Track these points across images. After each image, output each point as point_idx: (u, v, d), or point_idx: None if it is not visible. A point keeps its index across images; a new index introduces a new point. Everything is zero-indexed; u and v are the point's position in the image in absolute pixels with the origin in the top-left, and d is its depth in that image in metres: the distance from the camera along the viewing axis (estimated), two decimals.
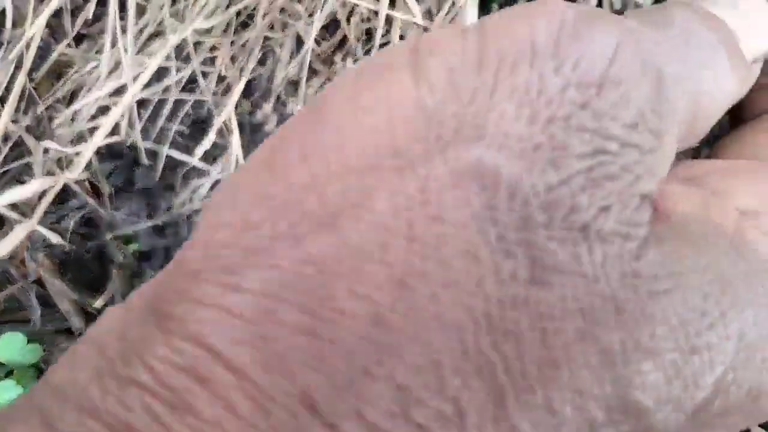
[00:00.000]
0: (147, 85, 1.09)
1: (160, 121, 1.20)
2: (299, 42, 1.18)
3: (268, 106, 1.23)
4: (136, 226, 1.18)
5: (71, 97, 1.10)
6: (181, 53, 1.06)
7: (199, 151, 1.12)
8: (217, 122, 1.10)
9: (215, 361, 0.25)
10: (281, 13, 1.04)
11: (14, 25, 0.96)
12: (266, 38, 1.08)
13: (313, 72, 1.22)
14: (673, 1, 0.40)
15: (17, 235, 1.06)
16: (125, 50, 1.00)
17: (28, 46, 0.94)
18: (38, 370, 1.08)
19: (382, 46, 1.13)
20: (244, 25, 1.10)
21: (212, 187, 1.21)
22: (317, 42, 1.17)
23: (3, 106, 0.97)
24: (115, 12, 0.94)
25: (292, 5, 1.05)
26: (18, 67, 0.96)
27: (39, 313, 1.13)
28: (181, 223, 1.23)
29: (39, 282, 1.14)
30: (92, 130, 1.08)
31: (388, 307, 0.25)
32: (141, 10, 1.00)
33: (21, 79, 0.95)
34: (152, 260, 1.23)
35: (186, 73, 1.03)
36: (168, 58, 1.02)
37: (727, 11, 0.38)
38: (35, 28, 0.91)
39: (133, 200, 1.20)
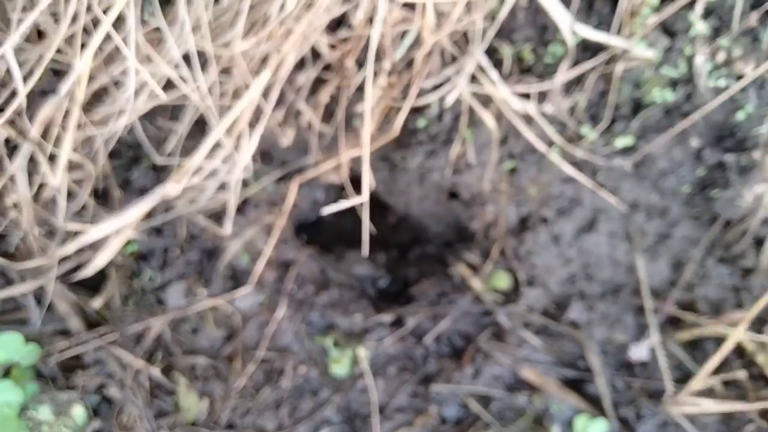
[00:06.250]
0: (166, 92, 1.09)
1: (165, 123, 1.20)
2: (315, 52, 1.18)
3: (280, 113, 1.23)
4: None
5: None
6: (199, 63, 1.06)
7: (205, 153, 1.12)
8: (218, 127, 1.10)
9: None
10: (296, 21, 1.04)
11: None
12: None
13: (322, 81, 1.22)
14: None
15: (114, 247, 1.07)
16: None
17: (79, 80, 0.94)
18: (37, 370, 1.08)
19: (411, 47, 1.13)
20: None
21: (219, 188, 1.22)
22: (331, 47, 1.17)
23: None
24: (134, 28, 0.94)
25: (306, 13, 1.04)
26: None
27: (38, 313, 1.14)
28: (180, 223, 1.23)
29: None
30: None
31: None
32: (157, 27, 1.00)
33: (76, 113, 0.96)
34: (150, 260, 1.23)
35: (202, 83, 1.03)
36: (177, 66, 1.02)
37: None
38: (84, 63, 0.91)
39: (131, 199, 1.19)
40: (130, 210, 1.05)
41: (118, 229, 1.05)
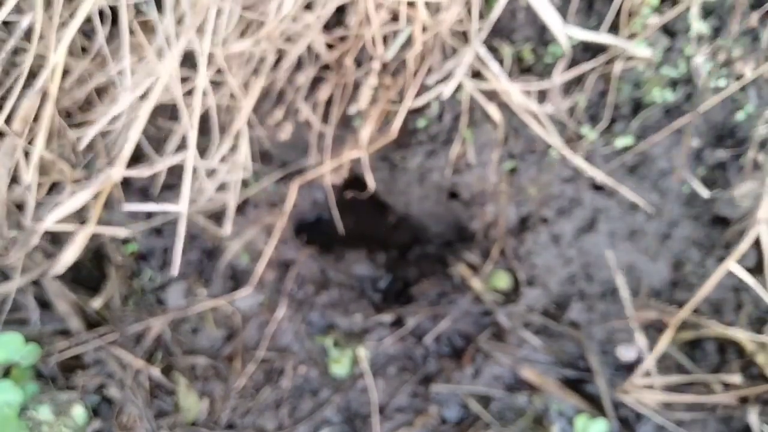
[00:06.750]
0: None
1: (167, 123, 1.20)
2: (311, 49, 1.18)
3: (279, 112, 1.23)
4: (135, 226, 1.18)
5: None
6: (193, 62, 1.06)
7: (209, 153, 1.12)
8: (207, 125, 1.10)
9: None
10: (293, 21, 1.03)
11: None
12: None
13: (321, 79, 1.22)
14: None
15: (79, 241, 1.06)
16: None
17: (53, 73, 0.93)
18: (37, 370, 1.08)
19: (404, 47, 1.13)
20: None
21: (219, 188, 1.22)
22: (328, 47, 1.17)
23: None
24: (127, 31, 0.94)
25: (303, 14, 1.04)
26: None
27: (38, 313, 1.14)
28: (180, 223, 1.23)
29: (37, 282, 1.13)
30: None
31: None
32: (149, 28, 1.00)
33: (50, 109, 0.95)
34: (150, 260, 1.23)
35: (200, 81, 1.03)
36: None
37: None
38: (59, 56, 0.90)
39: (131, 200, 1.19)
40: (77, 196, 1.03)
41: (67, 215, 1.02)
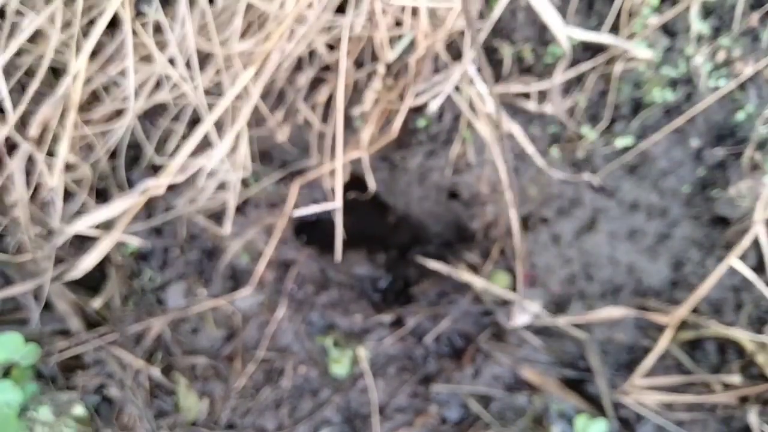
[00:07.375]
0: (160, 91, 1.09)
1: (166, 122, 1.20)
2: (311, 52, 1.18)
3: (279, 114, 1.23)
4: (134, 226, 1.18)
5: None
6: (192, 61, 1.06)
7: (211, 153, 1.12)
8: (208, 124, 1.10)
9: None
10: (295, 22, 1.03)
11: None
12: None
13: (321, 80, 1.22)
14: None
15: (104, 247, 1.06)
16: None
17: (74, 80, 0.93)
18: (37, 370, 1.08)
19: (408, 47, 1.13)
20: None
21: (219, 187, 1.22)
22: (329, 47, 1.17)
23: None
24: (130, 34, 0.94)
25: (305, 12, 1.04)
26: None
27: (38, 313, 1.14)
28: (180, 223, 1.23)
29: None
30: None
31: None
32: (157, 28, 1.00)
33: (72, 115, 0.95)
34: (150, 260, 1.23)
35: (201, 81, 1.03)
36: (170, 65, 1.02)
37: None
38: (81, 63, 0.91)
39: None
40: (115, 203, 1.03)
41: (101, 221, 1.03)
